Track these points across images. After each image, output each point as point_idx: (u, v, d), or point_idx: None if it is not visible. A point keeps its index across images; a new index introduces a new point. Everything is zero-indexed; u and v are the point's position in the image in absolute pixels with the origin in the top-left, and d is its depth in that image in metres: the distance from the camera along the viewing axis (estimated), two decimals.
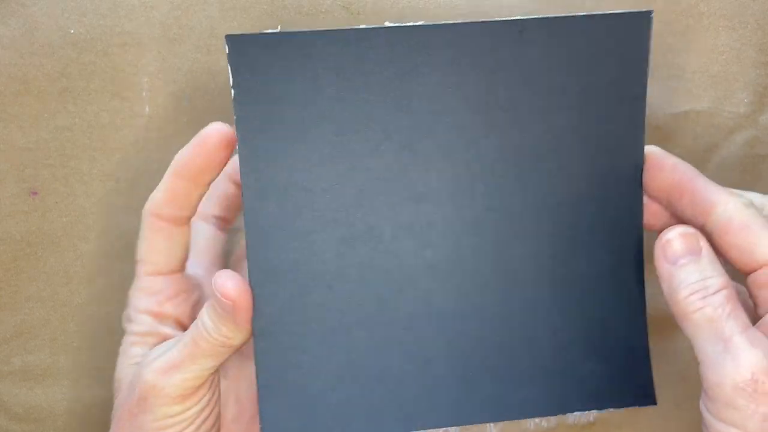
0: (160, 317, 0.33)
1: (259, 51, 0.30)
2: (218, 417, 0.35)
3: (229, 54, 0.30)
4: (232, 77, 0.30)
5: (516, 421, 0.38)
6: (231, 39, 0.30)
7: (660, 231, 0.32)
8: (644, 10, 0.31)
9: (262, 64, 0.30)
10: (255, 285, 0.31)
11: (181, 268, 0.34)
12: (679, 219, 0.31)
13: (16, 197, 0.40)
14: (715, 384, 0.27)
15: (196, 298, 0.35)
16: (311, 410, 0.32)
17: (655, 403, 0.33)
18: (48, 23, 0.39)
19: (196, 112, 0.39)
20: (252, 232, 0.31)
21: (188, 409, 0.32)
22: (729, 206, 0.29)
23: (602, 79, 0.31)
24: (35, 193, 0.40)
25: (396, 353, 0.32)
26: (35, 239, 0.40)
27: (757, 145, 0.39)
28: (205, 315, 0.32)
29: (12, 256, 0.40)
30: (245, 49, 0.30)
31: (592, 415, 0.39)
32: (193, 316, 0.35)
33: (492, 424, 0.38)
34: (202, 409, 0.33)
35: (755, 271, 0.29)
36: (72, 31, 0.39)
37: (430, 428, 0.32)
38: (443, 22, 0.31)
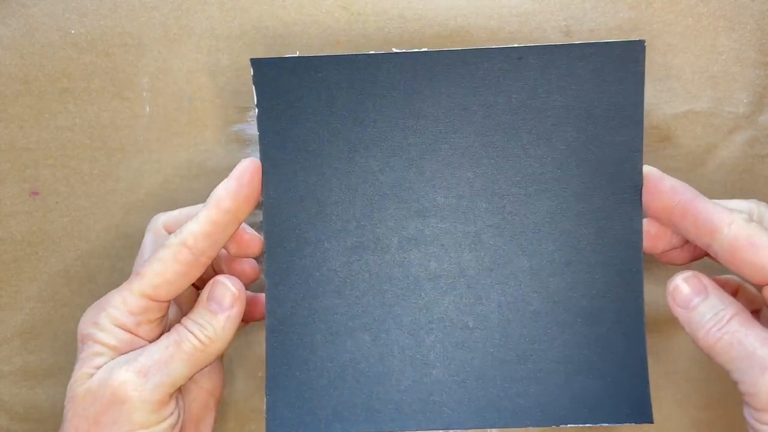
0: (133, 334, 0.32)
1: (280, 73, 0.33)
2: None
3: (253, 76, 0.33)
4: (256, 97, 0.33)
5: None
6: (255, 62, 0.33)
7: (661, 254, 0.34)
8: (637, 39, 0.32)
9: (283, 85, 0.33)
10: (270, 286, 0.33)
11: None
12: (683, 237, 0.33)
13: (17, 197, 0.40)
14: (752, 394, 0.29)
15: (166, 322, 0.34)
16: (314, 405, 0.33)
17: (651, 421, 0.33)
18: (49, 24, 0.39)
19: (197, 113, 0.40)
20: (269, 238, 0.33)
21: (162, 420, 0.31)
22: (733, 226, 0.30)
23: (599, 103, 0.33)
24: (36, 193, 0.40)
25: (397, 357, 0.33)
26: (36, 239, 0.40)
27: (756, 145, 0.39)
28: (189, 321, 0.32)
29: (13, 256, 0.40)
30: (268, 72, 0.33)
31: None
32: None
33: None
34: (173, 426, 0.32)
35: None
36: (73, 32, 0.39)
37: (423, 429, 0.33)
38: (446, 48, 0.33)
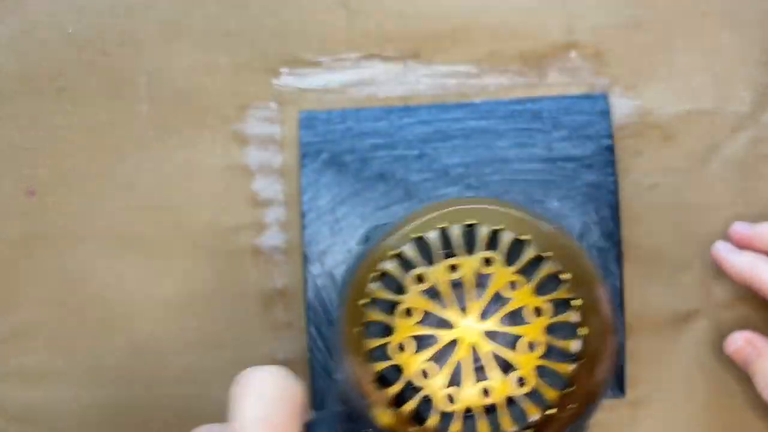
0: None
1: (321, 123, 0.39)
2: None
3: (300, 126, 0.39)
4: (301, 141, 0.39)
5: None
6: (303, 113, 0.39)
7: None
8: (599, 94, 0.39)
9: (324, 133, 0.39)
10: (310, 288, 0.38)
11: None
12: None
13: (14, 197, 0.40)
14: None
15: None
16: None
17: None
18: (46, 22, 0.39)
19: (195, 112, 0.39)
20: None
21: None
22: None
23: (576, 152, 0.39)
24: (33, 193, 0.40)
25: None
26: (33, 239, 0.40)
27: (759, 144, 0.39)
28: None
29: (9, 257, 0.40)
30: (312, 123, 0.39)
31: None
32: None
33: None
34: None
35: None
36: (70, 30, 0.39)
37: None
38: (462, 102, 0.39)
